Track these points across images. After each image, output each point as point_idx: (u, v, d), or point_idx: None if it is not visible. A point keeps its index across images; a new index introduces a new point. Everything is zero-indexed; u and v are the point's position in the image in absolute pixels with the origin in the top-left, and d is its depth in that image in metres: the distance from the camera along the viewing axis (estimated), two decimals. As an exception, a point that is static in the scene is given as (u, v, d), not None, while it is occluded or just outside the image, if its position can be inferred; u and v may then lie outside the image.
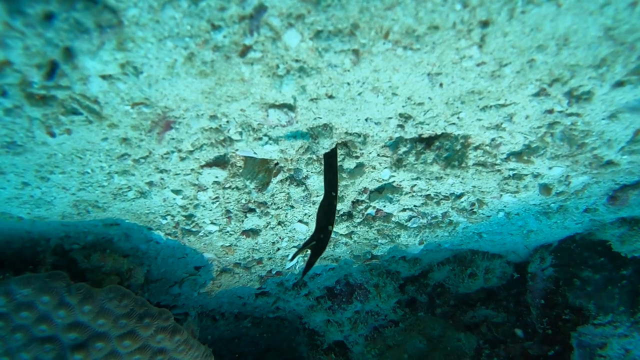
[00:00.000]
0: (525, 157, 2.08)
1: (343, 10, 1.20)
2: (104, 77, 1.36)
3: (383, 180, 2.40)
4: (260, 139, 1.87)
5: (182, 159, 1.95)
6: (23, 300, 1.95)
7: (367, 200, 2.57)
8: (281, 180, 2.29)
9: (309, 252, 2.09)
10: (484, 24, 1.31)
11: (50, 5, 0.99)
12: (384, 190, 2.49)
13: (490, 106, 1.75)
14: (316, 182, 2.33)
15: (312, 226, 2.76)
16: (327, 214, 2.00)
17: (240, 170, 2.13)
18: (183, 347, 2.34)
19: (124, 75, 1.36)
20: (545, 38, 1.35)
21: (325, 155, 2.01)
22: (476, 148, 2.08)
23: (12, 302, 1.93)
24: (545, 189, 2.33)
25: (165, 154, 1.89)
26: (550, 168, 2.15)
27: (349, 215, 2.71)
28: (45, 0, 0.98)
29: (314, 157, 2.13)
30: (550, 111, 1.75)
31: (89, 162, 1.83)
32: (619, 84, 1.53)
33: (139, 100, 1.52)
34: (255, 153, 2.00)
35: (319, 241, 1.96)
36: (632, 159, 1.96)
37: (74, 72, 1.28)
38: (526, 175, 2.25)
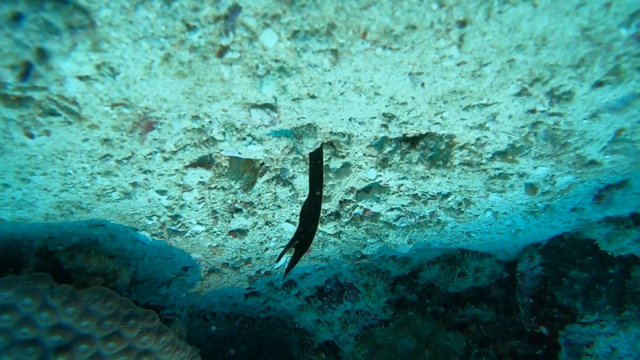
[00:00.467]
0: (510, 157, 2.08)
1: (318, 10, 1.19)
2: (80, 77, 1.35)
3: (370, 179, 2.40)
4: (244, 139, 1.86)
5: (166, 160, 1.94)
6: (4, 303, 1.94)
7: (355, 200, 2.57)
8: (267, 180, 2.29)
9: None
10: (462, 24, 1.31)
11: (18, 5, 0.98)
12: (371, 190, 2.48)
13: (473, 106, 1.74)
14: (303, 182, 2.33)
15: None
16: (310, 213, 1.99)
17: (226, 171, 2.12)
18: (169, 349, 2.33)
19: (100, 76, 1.35)
20: (523, 38, 1.35)
21: (311, 154, 2.00)
22: (461, 147, 2.08)
23: (-7, 304, 1.92)
24: (531, 188, 2.34)
25: (148, 154, 1.88)
26: (535, 167, 2.15)
27: (337, 215, 2.71)
28: (12, 0, 0.96)
29: (300, 157, 2.12)
30: (533, 111, 1.75)
31: (71, 163, 1.82)
32: (599, 84, 1.53)
33: (118, 101, 1.51)
34: (239, 153, 1.99)
35: (302, 240, 1.95)
36: (614, 159, 1.97)
37: (49, 73, 1.27)
38: (512, 174, 2.25)
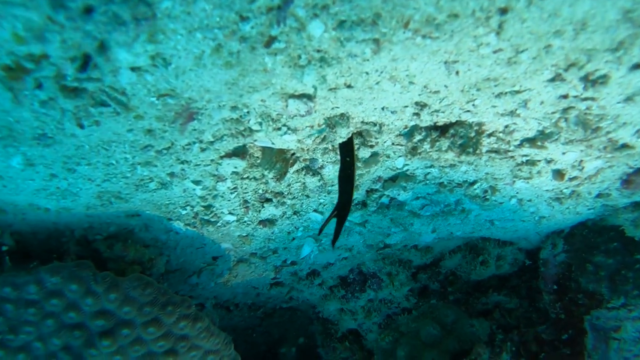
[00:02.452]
0: (539, 143, 2.11)
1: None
2: (133, 69, 1.40)
3: (397, 168, 2.44)
4: (279, 129, 1.91)
5: (203, 150, 1.99)
6: (53, 288, 2.01)
7: (381, 189, 2.61)
8: (297, 170, 2.33)
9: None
10: (503, 11, 1.34)
11: (90, -2, 1.03)
12: (398, 179, 2.52)
13: (506, 93, 1.78)
14: (331, 172, 2.37)
15: (327, 216, 2.80)
16: (346, 180, 2.05)
17: (258, 161, 2.18)
18: (204, 334, 2.40)
19: (152, 67, 1.40)
20: (563, 23, 1.38)
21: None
22: (490, 135, 2.11)
23: (43, 290, 1.99)
24: (558, 174, 2.36)
25: (186, 144, 1.94)
26: (563, 153, 2.18)
27: (363, 204, 2.75)
28: (85, -7, 1.02)
29: (330, 147, 2.16)
30: (565, 96, 1.78)
31: (114, 154, 1.88)
32: (636, 66, 1.56)
33: (164, 92, 1.56)
34: (273, 143, 2.03)
35: (341, 209, 2.03)
36: (647, 142, 1.99)
37: (106, 64, 1.32)
38: (539, 161, 2.28)
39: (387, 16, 1.32)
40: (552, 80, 1.68)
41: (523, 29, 1.41)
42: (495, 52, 1.53)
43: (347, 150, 2.06)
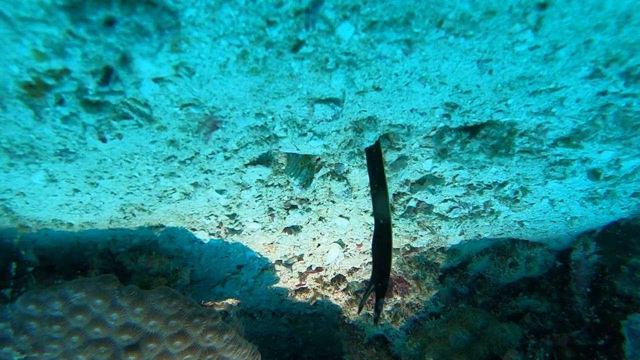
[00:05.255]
0: (574, 142, 2.02)
1: (400, -1, 1.17)
2: (156, 80, 1.36)
3: (425, 171, 2.37)
4: (305, 134, 1.86)
5: (227, 159, 1.95)
6: (77, 304, 1.98)
7: (409, 192, 2.54)
8: (323, 176, 2.28)
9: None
10: (542, 6, 1.27)
11: (112, 10, 0.99)
12: (426, 182, 2.45)
13: (541, 91, 1.70)
14: (357, 177, 2.32)
15: (353, 221, 2.74)
16: (383, 248, 1.94)
17: (283, 167, 2.13)
18: (232, 346, 2.35)
19: (176, 77, 1.36)
20: (605, 16, 1.30)
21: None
22: (521, 135, 2.03)
23: (68, 306, 1.96)
24: (593, 173, 2.27)
25: (210, 154, 1.90)
26: (599, 152, 2.09)
27: (390, 209, 2.68)
28: (107, 5, 0.97)
29: (356, 150, 2.11)
30: (604, 93, 1.69)
31: (137, 166, 1.84)
32: (683, 61, 1.47)
33: (188, 102, 1.52)
34: (298, 149, 1.98)
35: (379, 281, 1.93)
36: (691, 139, 1.89)
37: (129, 77, 1.28)
38: (573, 160, 2.19)
39: (420, 15, 1.25)
40: (591, 76, 1.60)
41: (562, 24, 1.34)
42: (531, 49, 1.45)
43: (380, 210, 1.93)
